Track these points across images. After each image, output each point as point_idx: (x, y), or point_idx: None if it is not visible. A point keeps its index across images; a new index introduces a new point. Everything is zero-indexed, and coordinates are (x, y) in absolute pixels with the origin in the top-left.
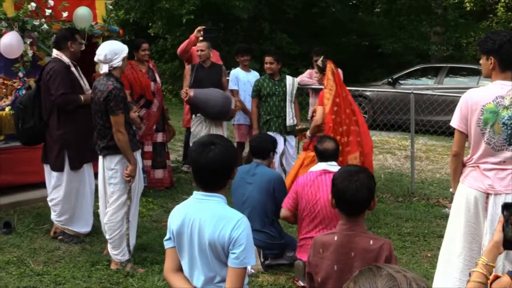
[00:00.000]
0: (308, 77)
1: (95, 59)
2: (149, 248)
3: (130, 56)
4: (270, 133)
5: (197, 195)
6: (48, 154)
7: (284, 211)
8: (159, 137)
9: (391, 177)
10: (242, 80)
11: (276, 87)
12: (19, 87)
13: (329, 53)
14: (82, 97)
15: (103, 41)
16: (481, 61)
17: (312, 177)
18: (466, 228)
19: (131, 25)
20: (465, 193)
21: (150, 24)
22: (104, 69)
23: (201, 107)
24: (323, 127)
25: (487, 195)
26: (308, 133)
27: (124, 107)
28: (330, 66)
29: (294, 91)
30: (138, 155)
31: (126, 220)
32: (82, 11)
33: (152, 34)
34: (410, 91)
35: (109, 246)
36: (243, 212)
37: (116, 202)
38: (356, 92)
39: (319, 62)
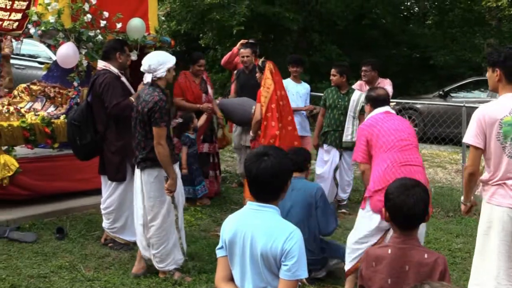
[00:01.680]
0: (358, 88)
1: (141, 69)
2: (197, 257)
3: (185, 67)
4: (325, 145)
5: (251, 205)
6: (106, 166)
7: (362, 166)
8: (205, 148)
9: (442, 191)
10: (291, 91)
11: (340, 100)
12: (73, 96)
13: (378, 64)
14: (131, 98)
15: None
16: (487, 74)
17: (380, 116)
18: (501, 247)
19: (182, 36)
20: (496, 212)
21: (201, 35)
22: (147, 78)
23: (229, 116)
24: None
25: None
26: (250, 132)
27: (168, 120)
28: (268, 65)
29: (359, 107)
30: (176, 167)
31: (176, 230)
32: (136, 22)
33: (202, 45)
34: (462, 104)
35: (154, 260)
36: None
37: (158, 216)
38: (406, 104)
39: (260, 62)
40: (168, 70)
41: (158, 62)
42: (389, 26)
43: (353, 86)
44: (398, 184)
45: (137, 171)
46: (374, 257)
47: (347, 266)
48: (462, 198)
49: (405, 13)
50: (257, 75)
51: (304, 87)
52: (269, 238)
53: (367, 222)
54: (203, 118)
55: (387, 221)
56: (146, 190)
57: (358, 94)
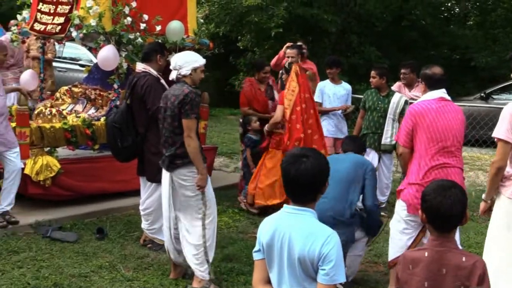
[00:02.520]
0: (397, 90)
1: (170, 67)
2: (234, 259)
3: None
4: None
5: (287, 208)
6: (146, 167)
7: (401, 149)
8: None
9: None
10: (328, 93)
11: (379, 102)
12: (113, 98)
13: (418, 67)
14: None
15: None
16: None
17: (433, 106)
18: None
19: (221, 38)
20: None
21: (239, 37)
22: (172, 75)
23: None
24: (282, 124)
25: None
26: (265, 127)
27: (198, 114)
28: (295, 68)
29: (398, 110)
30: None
31: (203, 230)
32: (175, 25)
33: (241, 47)
34: (504, 106)
35: (193, 263)
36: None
37: (194, 216)
38: None
39: (286, 64)
40: (194, 70)
41: (184, 60)
42: (429, 27)
43: (392, 88)
44: (435, 185)
45: (165, 173)
46: (410, 259)
47: (390, 257)
48: (483, 195)
49: (446, 14)
50: (283, 76)
51: (344, 88)
52: (306, 242)
53: (403, 213)
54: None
55: (423, 223)
56: (175, 191)
57: (398, 96)
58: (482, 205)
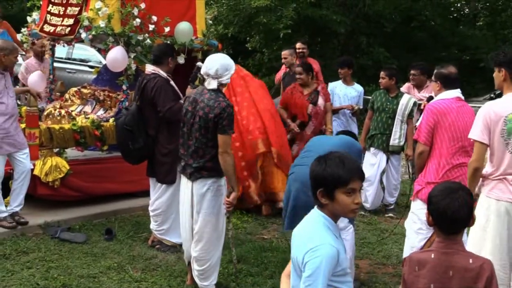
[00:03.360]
0: (406, 91)
1: (202, 71)
2: (243, 260)
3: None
4: (372, 149)
5: (314, 209)
6: (156, 168)
7: (422, 147)
8: None
9: None
10: (338, 93)
11: (388, 103)
12: (122, 99)
13: (427, 68)
14: (182, 102)
15: (202, 55)
16: (494, 74)
17: (453, 105)
18: (497, 239)
19: (229, 39)
20: (493, 206)
21: (247, 38)
22: (212, 84)
23: None
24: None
25: None
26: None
27: (233, 129)
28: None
29: (407, 112)
30: (223, 180)
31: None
32: (183, 26)
33: (249, 48)
34: None
35: (198, 277)
36: None
37: (206, 230)
38: None
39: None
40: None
41: (225, 68)
42: (438, 28)
43: (401, 89)
44: (442, 187)
45: (186, 181)
46: (416, 261)
47: (405, 254)
48: None
49: (455, 15)
50: (299, 74)
51: (356, 90)
52: (299, 244)
53: (421, 212)
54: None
55: (430, 225)
56: (197, 201)
57: (407, 98)
58: None
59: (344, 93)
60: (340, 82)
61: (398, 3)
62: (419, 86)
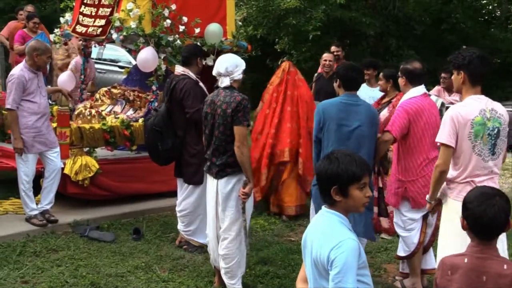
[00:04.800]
0: (436, 94)
1: (214, 72)
2: (269, 262)
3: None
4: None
5: (322, 209)
6: (183, 168)
7: (390, 136)
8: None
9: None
10: (363, 96)
11: None
12: (152, 99)
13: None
14: None
15: None
16: (453, 77)
17: (424, 103)
18: (464, 241)
19: (258, 41)
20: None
21: (276, 39)
22: (225, 82)
23: None
24: None
25: None
26: None
27: (249, 122)
28: (284, 64)
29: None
30: (243, 176)
31: (244, 235)
32: (214, 28)
33: (278, 50)
34: None
35: (225, 276)
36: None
37: (232, 227)
38: None
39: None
40: (243, 72)
41: (235, 64)
42: (469, 31)
43: (431, 92)
44: (478, 193)
45: (211, 180)
46: (449, 265)
47: (400, 252)
48: (427, 196)
49: (486, 17)
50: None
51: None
52: (320, 244)
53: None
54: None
55: (464, 229)
56: (223, 199)
57: (435, 99)
58: (427, 205)
59: (370, 95)
60: (364, 84)
61: (428, 5)
62: (450, 90)
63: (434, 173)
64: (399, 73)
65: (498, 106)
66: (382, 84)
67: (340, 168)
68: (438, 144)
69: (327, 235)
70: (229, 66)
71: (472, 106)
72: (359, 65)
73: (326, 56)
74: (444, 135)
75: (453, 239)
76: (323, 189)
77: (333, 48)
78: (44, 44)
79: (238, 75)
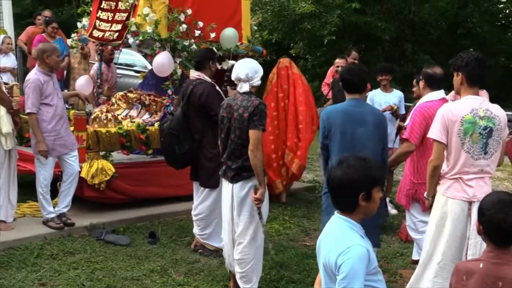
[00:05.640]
0: (452, 99)
1: (233, 77)
2: (285, 267)
3: None
4: None
5: (334, 215)
6: (200, 172)
7: (410, 146)
8: None
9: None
10: (379, 101)
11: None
12: (167, 104)
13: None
14: None
15: None
16: (453, 78)
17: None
18: (450, 237)
19: (273, 45)
20: (449, 204)
21: (291, 44)
22: (244, 87)
23: None
24: None
25: (470, 203)
26: None
27: (264, 126)
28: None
29: None
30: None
31: (264, 243)
32: (229, 32)
33: (293, 54)
34: None
35: (240, 281)
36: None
37: (247, 232)
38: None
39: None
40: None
41: (255, 70)
42: (485, 35)
43: (447, 97)
44: (495, 199)
45: (227, 184)
46: (464, 270)
47: (416, 256)
48: (425, 193)
49: (503, 21)
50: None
51: (395, 96)
52: (329, 249)
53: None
54: None
55: (479, 234)
56: (238, 203)
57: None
58: (426, 202)
59: (385, 100)
60: (379, 90)
61: (444, 10)
62: None
63: (428, 168)
64: (420, 76)
65: (494, 107)
66: (416, 90)
67: (364, 173)
68: (431, 139)
69: (337, 240)
70: (250, 72)
71: (464, 105)
72: (374, 69)
73: (338, 62)
74: (435, 131)
75: (430, 230)
76: (343, 196)
77: (354, 55)
78: (50, 44)
79: (257, 81)
